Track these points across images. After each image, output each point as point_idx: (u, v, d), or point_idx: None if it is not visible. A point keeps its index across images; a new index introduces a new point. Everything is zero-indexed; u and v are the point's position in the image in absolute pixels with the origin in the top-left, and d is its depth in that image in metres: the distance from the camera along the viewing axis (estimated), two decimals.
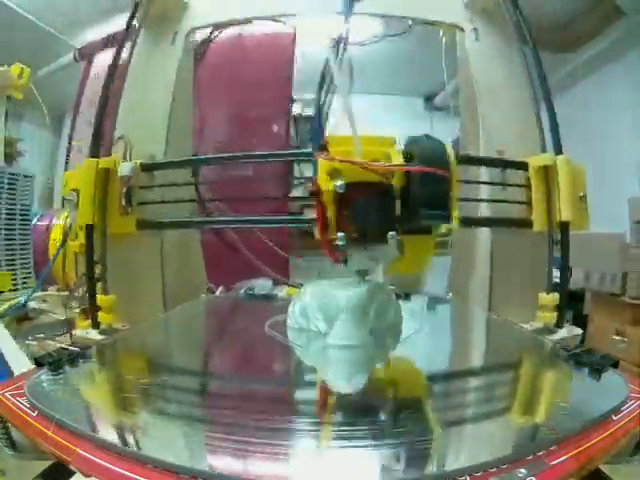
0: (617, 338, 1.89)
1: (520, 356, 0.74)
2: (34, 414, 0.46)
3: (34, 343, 0.89)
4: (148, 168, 1.03)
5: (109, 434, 0.44)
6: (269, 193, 1.50)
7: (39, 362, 0.58)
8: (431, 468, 0.39)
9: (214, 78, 2.04)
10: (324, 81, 0.68)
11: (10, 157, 2.05)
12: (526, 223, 0.98)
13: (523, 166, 0.99)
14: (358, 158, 0.62)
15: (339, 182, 0.62)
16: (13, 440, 0.48)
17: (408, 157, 0.66)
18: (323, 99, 0.69)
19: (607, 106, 2.73)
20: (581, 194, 0.98)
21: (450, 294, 1.27)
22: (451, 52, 1.25)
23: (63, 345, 0.67)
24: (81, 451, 0.39)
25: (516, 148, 1.03)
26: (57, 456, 0.41)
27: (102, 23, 2.58)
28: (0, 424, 0.49)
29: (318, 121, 0.69)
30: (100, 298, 0.97)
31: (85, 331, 0.95)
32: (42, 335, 0.90)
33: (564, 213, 0.94)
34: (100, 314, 0.96)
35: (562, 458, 0.38)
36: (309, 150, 0.76)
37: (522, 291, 1.02)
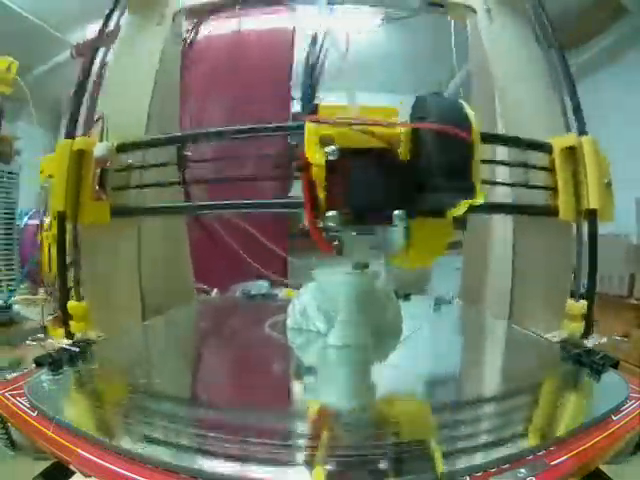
0: (619, 338, 1.88)
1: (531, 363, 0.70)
2: (34, 414, 0.46)
3: (33, 344, 0.86)
4: (124, 149, 0.92)
5: (109, 434, 0.43)
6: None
7: (39, 362, 0.58)
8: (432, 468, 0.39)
9: (210, 79, 2.02)
10: (313, 50, 0.62)
11: (6, 155, 2.02)
12: (551, 211, 0.87)
13: (546, 148, 0.89)
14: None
15: (331, 148, 0.50)
16: (13, 440, 0.48)
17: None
18: (313, 66, 0.62)
19: (609, 106, 2.71)
20: (606, 181, 0.87)
21: (457, 299, 1.20)
22: (462, 39, 1.15)
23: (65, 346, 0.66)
24: (81, 451, 0.39)
25: (539, 136, 0.91)
26: (57, 456, 0.41)
27: (99, 19, 2.56)
28: (0, 424, 0.49)
29: (308, 89, 0.63)
30: (71, 305, 0.85)
31: (58, 341, 0.83)
32: (29, 340, 0.85)
33: (592, 199, 0.82)
34: (72, 323, 0.84)
35: (562, 458, 0.38)
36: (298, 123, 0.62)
37: (544, 295, 0.91)
